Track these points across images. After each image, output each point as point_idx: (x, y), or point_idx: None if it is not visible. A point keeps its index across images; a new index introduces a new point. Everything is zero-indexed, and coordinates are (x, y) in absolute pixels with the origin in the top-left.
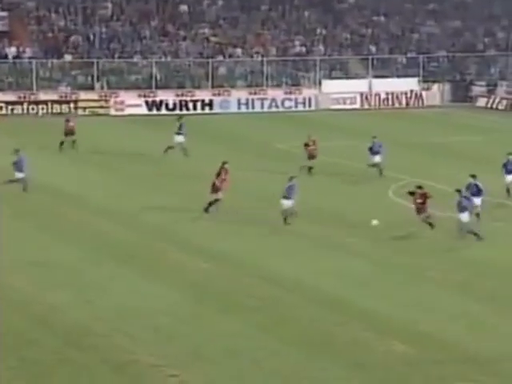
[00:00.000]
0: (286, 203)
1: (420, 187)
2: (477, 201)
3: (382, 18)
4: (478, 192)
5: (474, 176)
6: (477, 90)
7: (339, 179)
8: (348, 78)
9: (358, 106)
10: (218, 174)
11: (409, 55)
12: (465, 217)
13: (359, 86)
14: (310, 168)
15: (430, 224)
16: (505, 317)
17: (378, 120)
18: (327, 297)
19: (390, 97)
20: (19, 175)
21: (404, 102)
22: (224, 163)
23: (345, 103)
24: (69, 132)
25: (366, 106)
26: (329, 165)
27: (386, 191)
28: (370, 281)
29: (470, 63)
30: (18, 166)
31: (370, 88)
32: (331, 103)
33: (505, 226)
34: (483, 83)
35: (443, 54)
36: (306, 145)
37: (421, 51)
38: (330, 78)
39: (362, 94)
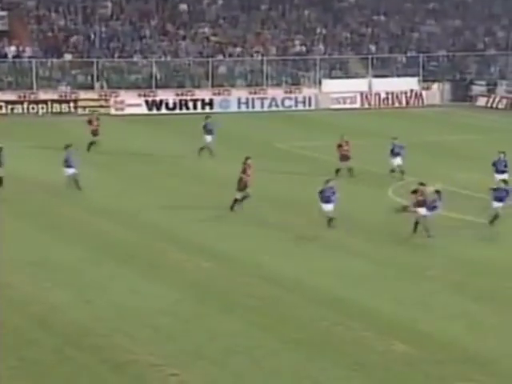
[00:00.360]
0: (326, 207)
1: (422, 184)
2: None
3: (382, 17)
4: (505, 196)
5: (505, 181)
6: (477, 89)
7: (339, 179)
8: (348, 77)
9: (358, 105)
10: (244, 171)
11: (409, 54)
12: (424, 211)
13: (359, 85)
14: (338, 170)
15: (416, 226)
16: (505, 316)
17: (378, 119)
18: (327, 296)
19: (389, 96)
20: (69, 171)
21: (404, 101)
22: (247, 158)
23: (345, 103)
24: (93, 133)
25: (366, 106)
26: (329, 164)
27: (385, 191)
28: (370, 280)
29: (470, 62)
30: (67, 162)
31: (369, 87)
32: (331, 103)
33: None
34: (483, 82)
35: (443, 54)
36: (340, 146)
37: (421, 50)
38: (330, 77)
39: (362, 94)
